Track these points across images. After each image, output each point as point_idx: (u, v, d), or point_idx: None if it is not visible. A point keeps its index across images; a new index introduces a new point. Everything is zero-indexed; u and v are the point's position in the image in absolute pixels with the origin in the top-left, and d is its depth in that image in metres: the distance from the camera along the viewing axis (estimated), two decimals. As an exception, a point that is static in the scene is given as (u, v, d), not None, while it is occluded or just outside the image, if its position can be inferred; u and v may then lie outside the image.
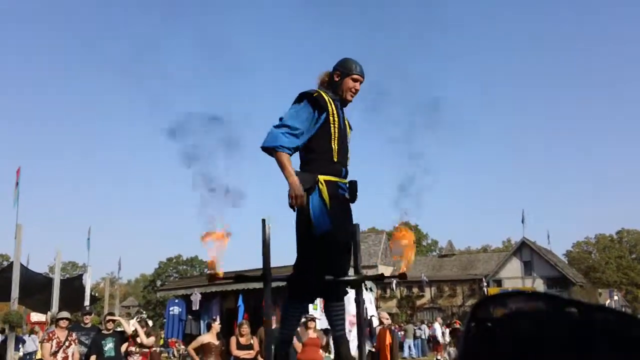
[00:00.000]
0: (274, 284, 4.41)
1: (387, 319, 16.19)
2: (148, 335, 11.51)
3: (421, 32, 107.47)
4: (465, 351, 0.69)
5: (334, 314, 4.64)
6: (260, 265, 4.44)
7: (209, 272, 4.41)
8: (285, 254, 4.55)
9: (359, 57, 4.58)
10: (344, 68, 4.50)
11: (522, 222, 54.09)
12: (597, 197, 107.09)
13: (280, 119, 4.34)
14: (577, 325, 0.61)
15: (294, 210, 4.24)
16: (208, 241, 4.32)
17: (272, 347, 4.51)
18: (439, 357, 26.39)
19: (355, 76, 4.49)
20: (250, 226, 4.67)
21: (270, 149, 4.26)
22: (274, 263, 4.50)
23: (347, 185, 4.51)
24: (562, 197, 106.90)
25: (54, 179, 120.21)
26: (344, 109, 4.65)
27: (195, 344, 11.75)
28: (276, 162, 4.26)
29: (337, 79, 4.51)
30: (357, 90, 4.53)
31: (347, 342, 4.65)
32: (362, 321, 4.99)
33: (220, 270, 4.38)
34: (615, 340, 0.59)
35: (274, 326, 7.01)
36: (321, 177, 4.29)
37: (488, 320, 0.67)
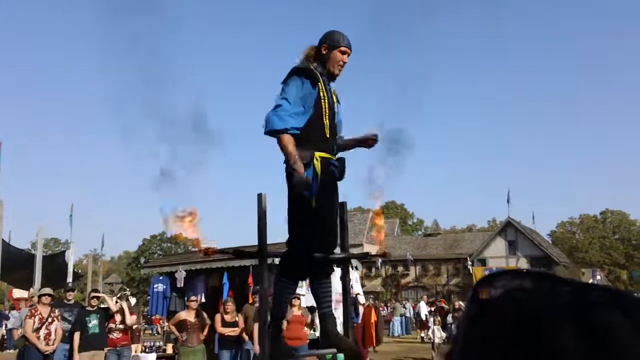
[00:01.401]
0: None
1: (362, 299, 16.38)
2: (130, 313, 11.43)
3: (419, 12, 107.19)
4: (466, 330, 0.67)
5: (321, 291, 4.62)
6: (251, 242, 4.38)
7: (204, 247, 4.35)
8: (280, 231, 4.49)
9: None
10: (332, 41, 4.40)
11: (508, 202, 54.41)
12: (582, 178, 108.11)
13: (278, 104, 4.21)
14: (571, 297, 0.61)
15: (300, 194, 4.10)
16: (181, 226, 4.29)
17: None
18: (422, 335, 26.58)
19: (343, 48, 4.39)
20: (243, 204, 4.58)
21: (277, 132, 4.14)
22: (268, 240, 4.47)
23: (337, 162, 4.46)
24: (548, 177, 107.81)
25: (36, 154, 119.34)
26: (332, 83, 4.56)
27: (173, 320, 11.88)
28: (279, 144, 4.15)
29: (324, 52, 4.41)
30: (344, 63, 4.44)
31: (334, 319, 4.60)
32: (349, 298, 4.96)
33: (213, 244, 4.34)
34: (607, 306, 0.60)
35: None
36: (317, 154, 4.25)
37: (487, 299, 0.66)
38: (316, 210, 4.19)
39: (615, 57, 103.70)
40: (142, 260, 63.85)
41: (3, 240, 16.92)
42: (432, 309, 25.70)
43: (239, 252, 4.99)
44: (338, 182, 4.55)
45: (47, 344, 10.39)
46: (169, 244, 76.38)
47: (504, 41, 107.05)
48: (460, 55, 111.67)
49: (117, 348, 10.99)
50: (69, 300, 11.86)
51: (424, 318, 27.15)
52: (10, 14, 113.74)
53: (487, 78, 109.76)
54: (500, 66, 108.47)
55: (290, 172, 4.21)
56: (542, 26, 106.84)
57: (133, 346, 12.37)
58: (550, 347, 0.58)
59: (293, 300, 11.38)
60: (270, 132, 4.16)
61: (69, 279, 21.21)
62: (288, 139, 4.11)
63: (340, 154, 4.55)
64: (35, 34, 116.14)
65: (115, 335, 10.99)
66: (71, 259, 23.46)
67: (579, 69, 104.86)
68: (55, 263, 23.52)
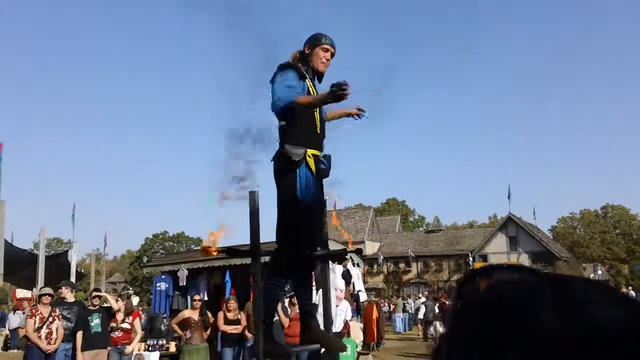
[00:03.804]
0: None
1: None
2: (128, 314, 11.47)
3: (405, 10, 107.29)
4: (452, 325, 0.68)
5: (303, 288, 4.74)
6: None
7: (202, 245, 4.43)
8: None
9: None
10: (313, 40, 4.61)
11: (508, 197, 54.31)
12: (582, 173, 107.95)
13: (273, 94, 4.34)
14: (560, 291, 0.62)
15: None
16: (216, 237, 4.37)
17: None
18: (424, 332, 26.54)
19: (324, 46, 4.58)
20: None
21: (287, 106, 4.24)
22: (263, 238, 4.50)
23: (325, 159, 4.55)
24: (548, 173, 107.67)
25: (38, 154, 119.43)
26: (320, 83, 4.67)
27: (176, 319, 11.88)
28: (301, 107, 4.27)
29: (307, 52, 4.60)
30: (327, 60, 4.60)
31: (315, 314, 4.69)
32: (329, 295, 5.03)
33: (215, 246, 4.39)
34: (583, 285, 0.62)
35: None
36: (309, 151, 4.34)
37: (471, 294, 0.68)
38: (305, 208, 4.27)
39: (614, 55, 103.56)
40: (145, 259, 63.79)
41: (5, 240, 16.93)
42: (437, 304, 25.66)
43: (232, 251, 5.02)
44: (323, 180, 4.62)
45: (49, 343, 10.43)
46: (171, 243, 76.41)
47: (503, 40, 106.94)
48: (460, 54, 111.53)
49: (118, 346, 11.05)
50: (65, 298, 11.81)
51: (420, 316, 27.09)
52: (9, 15, 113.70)
53: (486, 75, 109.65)
54: (500, 63, 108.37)
55: (287, 167, 4.29)
56: (542, 24, 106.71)
57: (136, 345, 12.41)
58: (531, 332, 0.59)
59: (293, 299, 11.40)
60: (279, 109, 4.28)
61: (72, 279, 21.21)
62: (301, 98, 4.24)
63: (325, 152, 4.62)
64: (35, 35, 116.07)
65: (117, 334, 11.05)
66: (74, 258, 23.38)
67: (578, 66, 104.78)
68: (58, 263, 23.48)
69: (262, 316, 4.46)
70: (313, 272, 4.80)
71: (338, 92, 4.01)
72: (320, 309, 5.53)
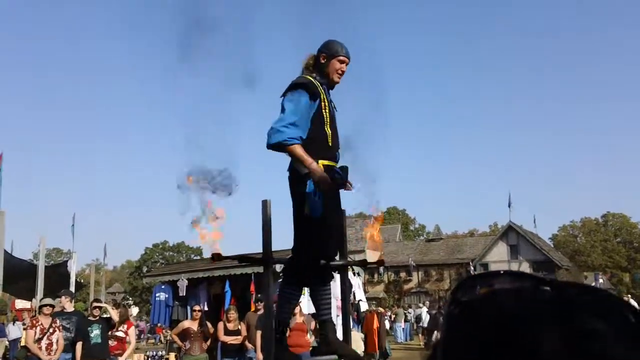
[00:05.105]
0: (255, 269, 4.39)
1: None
2: (122, 322, 11.43)
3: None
4: (448, 331, 0.67)
5: (321, 298, 4.66)
6: (252, 250, 4.39)
7: (212, 252, 4.39)
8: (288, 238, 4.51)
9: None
10: (330, 50, 4.49)
11: (509, 206, 54.33)
12: (582, 181, 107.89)
13: (280, 115, 4.27)
14: (554, 301, 0.62)
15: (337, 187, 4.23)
16: (204, 226, 4.33)
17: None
18: (426, 341, 26.48)
19: (341, 58, 4.48)
20: (252, 209, 4.56)
21: (278, 145, 4.18)
22: (276, 247, 4.48)
23: (341, 170, 4.48)
24: (549, 181, 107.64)
25: (38, 164, 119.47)
26: (331, 91, 4.62)
27: (176, 330, 11.87)
28: (290, 155, 4.24)
29: (323, 61, 4.50)
30: (343, 72, 4.52)
31: (334, 326, 4.62)
32: (347, 305, 4.97)
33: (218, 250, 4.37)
34: (590, 312, 0.60)
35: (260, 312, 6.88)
36: (320, 162, 4.29)
37: (469, 300, 0.67)
38: (320, 217, 4.23)
39: (615, 57, 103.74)
40: (145, 269, 63.76)
41: (5, 250, 16.86)
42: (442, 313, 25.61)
43: (244, 258, 4.99)
44: (340, 190, 4.58)
45: (49, 354, 10.37)
46: (171, 253, 76.28)
47: (503, 42, 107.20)
48: (460, 57, 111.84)
49: (111, 357, 10.99)
50: (65, 308, 11.75)
51: (424, 324, 27.03)
52: (9, 17, 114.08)
53: (486, 81, 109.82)
54: (499, 69, 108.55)
55: (300, 178, 4.26)
56: (542, 25, 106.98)
57: (135, 356, 12.37)
58: (530, 351, 0.58)
59: (295, 308, 11.36)
60: (270, 146, 4.21)
61: (72, 289, 21.14)
62: (296, 148, 4.17)
63: (342, 162, 4.58)
64: (36, 38, 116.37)
65: (110, 343, 11.00)
66: (73, 268, 23.26)
67: (579, 70, 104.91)
68: (57, 273, 23.38)
69: (275, 325, 4.43)
70: (330, 282, 4.75)
71: (338, 182, 4.21)
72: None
